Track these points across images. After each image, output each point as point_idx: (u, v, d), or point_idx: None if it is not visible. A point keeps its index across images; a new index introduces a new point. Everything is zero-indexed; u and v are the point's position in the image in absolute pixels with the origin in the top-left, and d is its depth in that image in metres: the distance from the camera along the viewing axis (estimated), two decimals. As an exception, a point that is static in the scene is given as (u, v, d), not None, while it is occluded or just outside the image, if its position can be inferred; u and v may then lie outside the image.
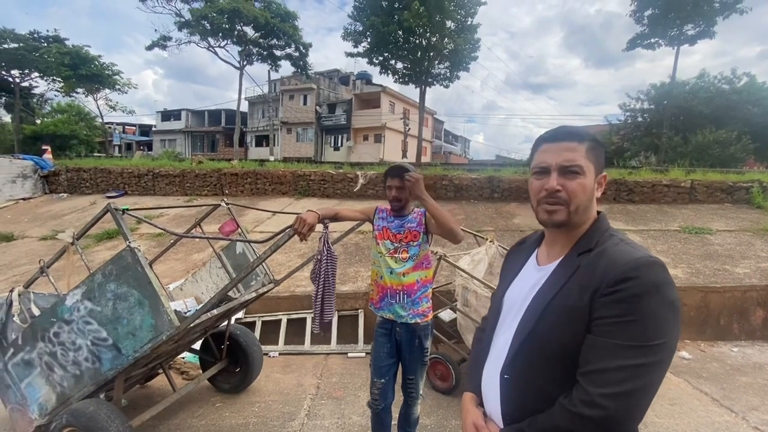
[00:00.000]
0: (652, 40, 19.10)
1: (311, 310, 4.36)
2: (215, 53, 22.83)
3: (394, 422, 2.28)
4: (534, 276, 0.99)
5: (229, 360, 3.26)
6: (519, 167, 10.11)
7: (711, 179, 7.89)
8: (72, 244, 2.35)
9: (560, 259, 0.95)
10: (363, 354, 4.02)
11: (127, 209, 2.16)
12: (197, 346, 3.33)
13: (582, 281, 0.86)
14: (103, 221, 2.29)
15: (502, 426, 0.96)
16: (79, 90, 25.07)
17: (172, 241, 3.55)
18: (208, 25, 21.07)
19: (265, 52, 23.23)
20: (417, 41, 18.75)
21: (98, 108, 26.53)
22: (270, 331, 4.35)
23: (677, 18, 17.65)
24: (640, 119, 24.47)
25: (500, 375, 0.97)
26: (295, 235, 1.90)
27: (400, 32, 18.34)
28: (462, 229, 4.32)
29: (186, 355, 3.72)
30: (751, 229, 6.20)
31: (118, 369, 2.18)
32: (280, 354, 4.12)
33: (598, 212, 0.98)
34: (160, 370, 3.05)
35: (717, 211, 7.17)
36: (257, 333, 4.22)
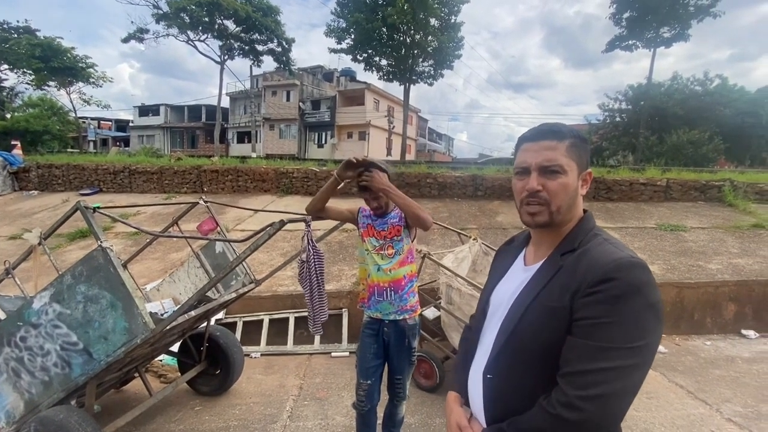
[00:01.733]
0: (630, 42, 19.64)
1: (294, 310, 4.33)
2: (195, 47, 22.34)
3: (379, 422, 2.27)
4: (520, 276, 0.98)
5: (209, 362, 3.17)
6: (501, 165, 10.21)
7: (685, 178, 8.14)
8: (39, 244, 2.23)
9: (545, 259, 0.95)
10: (347, 353, 3.99)
11: (99, 207, 2.06)
12: (175, 348, 3.23)
13: (563, 282, 0.85)
14: (77, 219, 2.19)
15: (485, 426, 0.95)
16: (51, 83, 24.12)
17: (148, 240, 3.43)
18: (186, 17, 20.54)
19: (246, 47, 22.82)
20: (401, 38, 18.75)
21: (71, 102, 25.59)
22: (252, 331, 4.26)
23: (654, 21, 18.20)
24: (618, 119, 25.17)
25: (483, 375, 0.96)
26: (276, 234, 1.86)
27: (384, 29, 18.29)
28: (446, 227, 4.36)
29: (164, 357, 3.61)
30: (723, 226, 6.43)
31: (90, 374, 2.08)
32: (261, 355, 4.04)
33: (585, 211, 0.97)
34: (136, 374, 2.95)
35: (691, 208, 7.41)
36: (238, 334, 4.13)
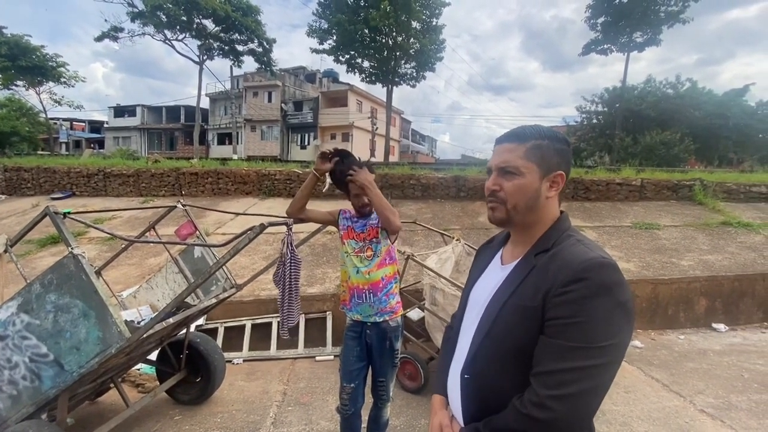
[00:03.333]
0: (605, 46, 20.21)
1: (277, 314, 4.26)
2: (172, 47, 21.74)
3: (364, 425, 2.25)
4: (497, 275, 1.00)
5: (189, 370, 3.09)
6: (483, 166, 10.36)
7: (658, 178, 8.42)
8: (5, 251, 2.13)
9: (519, 258, 0.96)
10: (331, 357, 3.96)
11: (69, 212, 1.98)
12: (154, 356, 3.14)
13: (536, 282, 0.87)
14: (48, 225, 2.09)
15: (464, 426, 0.96)
16: (19, 83, 23.15)
17: (123, 246, 3.32)
18: (163, 16, 19.99)
19: (226, 47, 22.37)
20: (383, 40, 18.77)
21: (41, 102, 24.59)
22: (234, 337, 4.18)
23: (627, 26, 18.79)
24: (594, 121, 25.91)
25: (461, 375, 0.97)
26: (257, 237, 1.84)
27: (366, 31, 18.29)
28: (429, 228, 4.38)
29: (141, 366, 3.50)
30: (694, 224, 6.68)
31: (61, 387, 2.00)
32: (244, 361, 3.97)
33: (562, 211, 0.98)
34: (112, 385, 2.84)
35: (664, 207, 7.67)
36: (220, 340, 4.05)
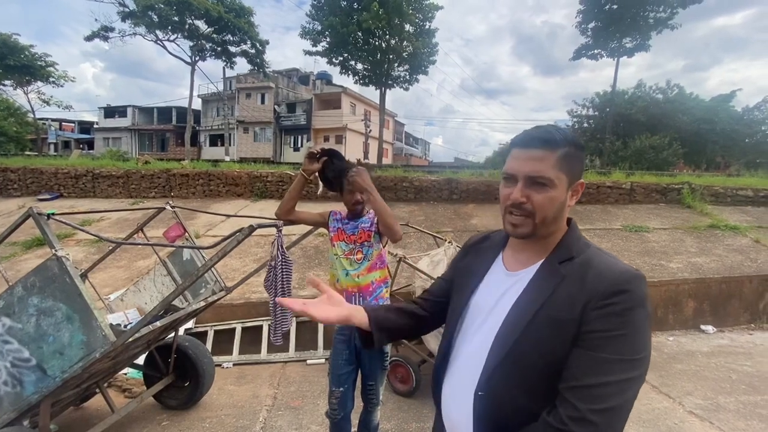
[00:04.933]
0: (595, 51, 20.48)
1: (268, 318, 4.22)
2: (164, 47, 21.59)
3: (354, 429, 2.23)
4: (504, 282, 0.93)
5: (177, 374, 3.04)
6: (476, 169, 10.40)
7: (648, 181, 8.52)
8: (-14, 253, 2.08)
9: (537, 266, 0.90)
10: (323, 360, 3.92)
11: (53, 213, 1.94)
12: (141, 360, 3.08)
13: (570, 292, 0.82)
14: (34, 226, 2.04)
15: None
16: (7, 82, 22.80)
17: (111, 248, 3.27)
18: (155, 16, 19.84)
19: (218, 48, 22.26)
20: (376, 43, 18.83)
21: (29, 102, 24.22)
22: (223, 340, 4.13)
23: (617, 31, 19.07)
24: (585, 125, 26.24)
25: (474, 392, 0.88)
26: (246, 240, 1.81)
27: (359, 33, 18.32)
28: (422, 230, 4.37)
29: (128, 371, 3.44)
30: (683, 227, 6.77)
31: (44, 392, 1.95)
32: (234, 365, 3.92)
33: (569, 219, 0.94)
34: (97, 390, 2.79)
35: (653, 210, 7.76)
36: (209, 343, 4.00)
